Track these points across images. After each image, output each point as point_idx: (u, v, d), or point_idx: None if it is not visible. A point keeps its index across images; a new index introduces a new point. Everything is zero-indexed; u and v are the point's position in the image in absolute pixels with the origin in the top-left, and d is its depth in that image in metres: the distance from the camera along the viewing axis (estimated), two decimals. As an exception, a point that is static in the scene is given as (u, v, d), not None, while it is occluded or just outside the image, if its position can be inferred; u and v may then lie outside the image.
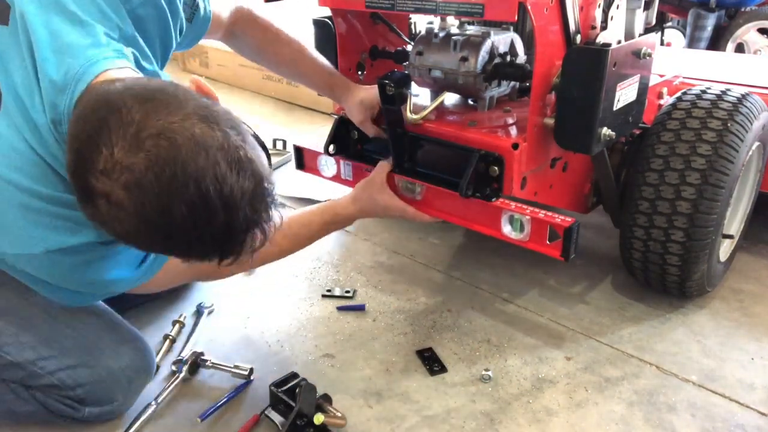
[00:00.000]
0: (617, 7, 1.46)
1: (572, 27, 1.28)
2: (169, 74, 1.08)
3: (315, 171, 1.72)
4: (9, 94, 0.94)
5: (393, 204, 1.44)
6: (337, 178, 1.68)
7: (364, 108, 1.45)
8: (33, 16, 0.92)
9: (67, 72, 0.89)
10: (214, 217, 0.80)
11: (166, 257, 1.13)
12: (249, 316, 1.60)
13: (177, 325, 1.53)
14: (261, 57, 1.48)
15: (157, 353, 1.42)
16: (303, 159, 1.75)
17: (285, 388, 1.24)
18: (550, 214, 1.29)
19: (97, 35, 0.95)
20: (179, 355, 1.42)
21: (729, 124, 1.41)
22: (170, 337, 1.48)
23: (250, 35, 1.40)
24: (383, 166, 1.46)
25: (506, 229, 1.35)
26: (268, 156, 0.91)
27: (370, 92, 1.44)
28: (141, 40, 1.04)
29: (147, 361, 1.28)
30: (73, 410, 1.20)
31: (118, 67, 0.93)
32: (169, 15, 1.08)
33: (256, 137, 0.91)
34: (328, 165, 1.68)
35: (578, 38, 1.31)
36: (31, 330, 1.15)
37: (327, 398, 1.26)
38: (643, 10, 1.57)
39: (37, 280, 1.05)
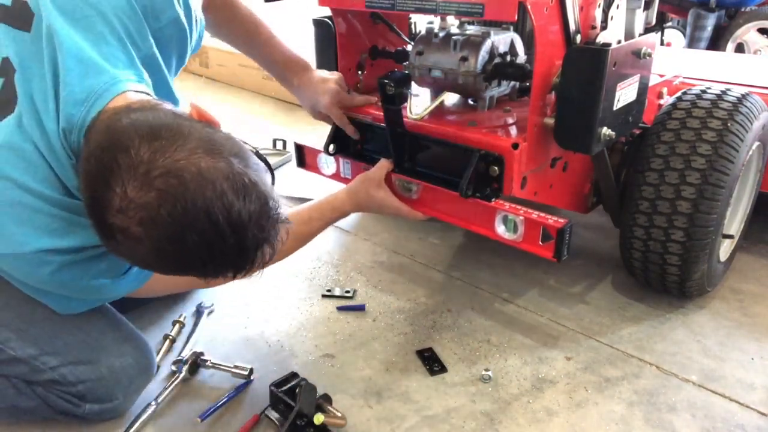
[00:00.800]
0: (617, 7, 1.45)
1: (572, 27, 1.28)
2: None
3: (315, 169, 1.73)
4: (24, 97, 0.98)
5: (388, 202, 1.45)
6: (336, 176, 1.69)
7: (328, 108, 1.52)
8: (62, 29, 0.98)
9: (89, 86, 0.95)
10: (224, 240, 0.86)
11: None
12: (249, 316, 1.60)
13: (177, 325, 1.53)
14: (220, 35, 1.51)
15: (157, 353, 1.42)
16: (303, 157, 1.76)
17: (285, 388, 1.24)
18: (543, 214, 1.29)
19: (122, 57, 1.01)
20: (179, 355, 1.42)
21: (729, 124, 1.41)
22: (170, 337, 1.48)
23: (209, 16, 1.40)
24: (383, 164, 1.46)
25: (500, 229, 1.35)
26: (271, 171, 0.97)
27: (329, 96, 1.50)
28: (159, 57, 1.10)
29: (148, 361, 1.29)
30: (73, 406, 1.20)
31: (137, 90, 0.99)
32: (188, 35, 1.16)
33: (258, 154, 0.96)
34: (328, 163, 1.69)
35: (578, 38, 1.31)
36: (34, 326, 1.16)
37: (327, 398, 1.26)
38: (643, 10, 1.57)
39: (21, 282, 1.08)
